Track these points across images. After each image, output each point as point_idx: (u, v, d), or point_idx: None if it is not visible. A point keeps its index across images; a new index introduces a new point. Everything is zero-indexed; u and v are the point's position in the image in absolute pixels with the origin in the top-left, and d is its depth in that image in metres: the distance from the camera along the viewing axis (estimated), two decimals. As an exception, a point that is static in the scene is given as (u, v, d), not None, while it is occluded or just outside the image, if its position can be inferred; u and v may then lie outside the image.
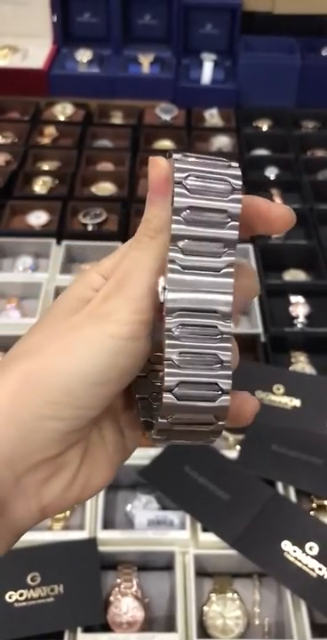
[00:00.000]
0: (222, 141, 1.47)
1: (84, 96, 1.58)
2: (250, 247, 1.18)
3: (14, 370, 0.28)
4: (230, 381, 0.28)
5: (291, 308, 1.11)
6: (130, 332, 0.28)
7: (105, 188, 1.34)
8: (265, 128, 1.55)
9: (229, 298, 0.28)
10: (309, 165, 1.41)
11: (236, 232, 0.28)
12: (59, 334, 0.28)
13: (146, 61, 1.62)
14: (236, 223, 0.28)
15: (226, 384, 0.28)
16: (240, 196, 0.28)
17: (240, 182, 0.28)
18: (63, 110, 1.54)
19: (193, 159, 0.28)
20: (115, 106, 1.58)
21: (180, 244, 0.27)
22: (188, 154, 0.28)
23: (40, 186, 1.33)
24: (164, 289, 0.27)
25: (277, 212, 0.29)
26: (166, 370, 0.27)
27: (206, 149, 1.46)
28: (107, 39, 1.65)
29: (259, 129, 1.55)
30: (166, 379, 0.27)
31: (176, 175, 0.27)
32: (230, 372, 0.28)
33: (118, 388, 0.29)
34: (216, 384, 0.27)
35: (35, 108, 1.55)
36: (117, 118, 1.56)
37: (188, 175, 0.27)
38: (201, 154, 0.29)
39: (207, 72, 1.60)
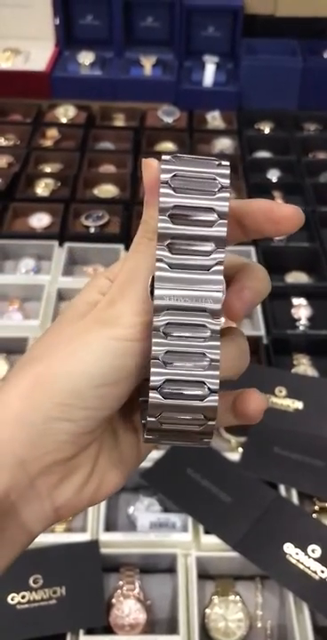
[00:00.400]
0: (224, 144, 1.47)
1: (86, 98, 1.58)
2: (252, 249, 1.18)
3: (25, 374, 0.29)
4: (218, 380, 0.27)
5: (293, 311, 1.11)
6: (134, 334, 0.28)
7: (107, 191, 1.35)
8: (267, 130, 1.55)
9: (219, 295, 0.27)
10: (311, 168, 1.41)
11: (224, 230, 0.27)
12: (67, 339, 0.29)
13: (148, 64, 1.62)
14: (224, 221, 0.27)
15: (213, 383, 0.27)
16: (227, 194, 0.28)
17: (228, 181, 0.28)
18: (65, 112, 1.54)
19: (181, 160, 0.28)
20: (117, 108, 1.58)
21: (167, 242, 0.27)
22: (179, 155, 0.28)
23: (42, 188, 1.33)
24: (152, 287, 0.27)
25: (285, 213, 0.29)
26: (152, 368, 0.27)
27: (208, 152, 1.46)
28: (110, 42, 1.65)
29: (260, 131, 1.55)
30: (152, 377, 0.27)
31: (162, 176, 0.27)
32: (218, 372, 0.27)
33: (126, 388, 0.29)
34: (204, 383, 0.27)
35: (38, 110, 1.55)
36: (119, 120, 1.56)
37: (174, 175, 0.27)
38: (198, 155, 0.29)
39: (209, 74, 1.60)
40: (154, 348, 0.27)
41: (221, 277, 0.28)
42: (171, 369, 0.27)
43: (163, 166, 0.28)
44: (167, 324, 0.27)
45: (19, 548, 0.30)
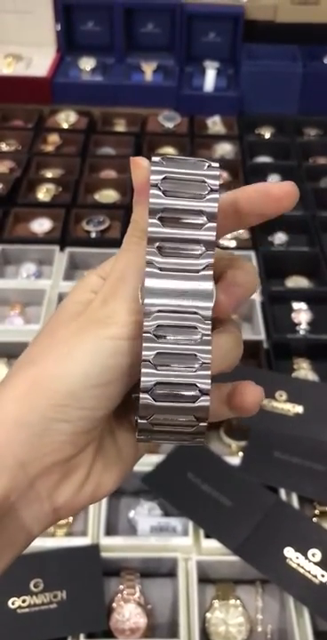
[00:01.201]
0: (225, 149, 1.48)
1: (88, 104, 1.59)
2: (252, 254, 1.18)
3: (20, 377, 0.29)
4: (209, 381, 0.27)
5: (293, 315, 1.11)
6: (127, 333, 0.28)
7: (108, 196, 1.35)
8: (267, 135, 1.56)
9: (209, 298, 0.27)
10: (312, 173, 1.42)
11: (214, 233, 0.28)
12: (61, 340, 0.29)
13: (149, 69, 1.63)
14: (214, 224, 0.27)
15: (205, 384, 0.27)
16: (217, 196, 0.28)
17: (217, 182, 0.28)
18: (66, 118, 1.55)
19: (171, 161, 0.28)
20: (118, 113, 1.59)
21: (157, 245, 0.27)
22: (169, 156, 0.29)
23: (43, 193, 1.34)
24: (142, 290, 0.28)
25: (284, 189, 0.29)
26: (143, 370, 0.27)
27: (209, 156, 1.46)
28: (111, 47, 1.66)
29: (261, 136, 1.56)
30: (143, 379, 0.27)
31: (152, 177, 0.27)
32: (209, 373, 0.27)
33: (121, 388, 0.29)
34: (195, 385, 0.27)
35: (39, 115, 1.56)
36: (120, 126, 1.57)
37: (165, 177, 0.27)
38: (186, 157, 0.29)
39: (210, 80, 1.61)
40: (144, 351, 0.27)
41: (211, 281, 0.28)
42: (161, 371, 0.27)
43: (153, 168, 0.28)
44: (157, 326, 0.27)
45: (19, 548, 0.30)
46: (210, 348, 0.27)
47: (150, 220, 0.27)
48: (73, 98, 1.60)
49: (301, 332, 1.09)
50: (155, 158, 0.28)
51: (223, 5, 1.61)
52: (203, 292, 0.27)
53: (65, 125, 1.54)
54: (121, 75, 1.64)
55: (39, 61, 1.64)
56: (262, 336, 1.04)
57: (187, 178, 0.28)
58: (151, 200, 0.27)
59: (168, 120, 1.55)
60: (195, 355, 0.27)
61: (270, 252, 1.22)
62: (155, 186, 0.27)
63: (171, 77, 1.63)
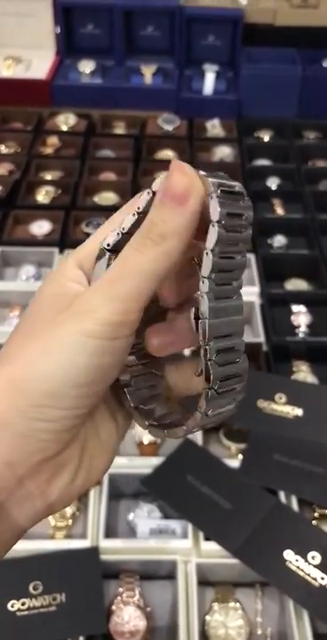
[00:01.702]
0: (224, 152, 1.48)
1: (87, 106, 1.59)
2: (252, 257, 1.18)
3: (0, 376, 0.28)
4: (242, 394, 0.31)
5: (292, 318, 1.11)
6: (107, 333, 0.27)
7: (107, 198, 1.35)
8: (266, 138, 1.56)
9: (242, 320, 0.31)
10: (311, 176, 1.42)
11: (245, 258, 0.31)
12: (38, 334, 0.28)
13: (148, 72, 1.63)
14: (245, 251, 0.30)
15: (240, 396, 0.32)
16: (250, 231, 0.30)
17: (252, 214, 0.30)
18: (66, 120, 1.55)
19: (225, 192, 0.29)
20: (117, 116, 1.59)
21: (213, 275, 0.29)
22: (223, 188, 0.29)
23: (43, 195, 1.34)
24: (198, 318, 0.29)
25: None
26: (204, 400, 0.30)
27: (208, 160, 1.47)
28: (110, 50, 1.66)
29: (260, 139, 1.56)
30: (206, 407, 0.30)
31: (219, 212, 0.28)
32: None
33: (103, 385, 0.29)
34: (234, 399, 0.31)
35: (38, 118, 1.56)
36: (120, 128, 1.57)
37: (227, 213, 0.28)
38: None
39: (209, 83, 1.61)
40: (208, 379, 0.29)
41: (242, 301, 0.31)
42: (219, 400, 0.30)
43: (219, 200, 0.28)
44: (216, 350, 0.29)
45: (9, 544, 0.30)
46: (246, 365, 0.31)
47: (211, 253, 0.28)
48: (72, 100, 1.60)
49: (301, 335, 1.09)
50: (217, 193, 0.28)
51: (222, 9, 1.61)
52: (240, 314, 0.31)
53: (64, 128, 1.54)
54: (120, 77, 1.64)
55: (39, 64, 1.65)
56: (261, 338, 1.04)
57: (235, 213, 0.29)
58: (212, 237, 0.28)
59: (167, 123, 1.55)
60: (237, 373, 0.31)
61: (269, 254, 1.22)
62: (219, 222, 0.28)
63: (170, 80, 1.63)
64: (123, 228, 0.30)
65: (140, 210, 0.30)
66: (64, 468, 0.30)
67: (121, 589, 0.76)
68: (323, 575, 0.76)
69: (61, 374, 0.27)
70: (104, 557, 0.77)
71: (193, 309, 0.29)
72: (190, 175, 0.28)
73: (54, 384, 0.27)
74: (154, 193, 0.29)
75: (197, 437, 0.90)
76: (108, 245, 0.31)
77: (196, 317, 0.29)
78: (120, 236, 0.30)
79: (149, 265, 0.28)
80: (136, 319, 0.28)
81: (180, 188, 0.28)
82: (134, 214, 0.30)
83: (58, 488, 0.29)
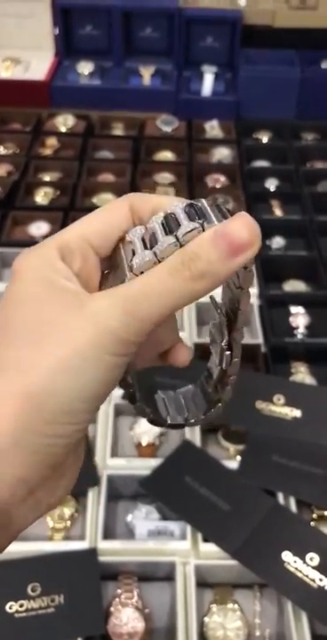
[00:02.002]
0: (222, 153, 1.48)
1: (86, 108, 1.59)
2: (250, 258, 1.18)
3: (9, 388, 0.26)
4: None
5: (291, 319, 1.11)
6: (122, 350, 0.27)
7: (106, 199, 1.35)
8: (265, 140, 1.56)
9: None
10: (309, 177, 1.42)
11: None
12: (47, 340, 0.27)
13: (147, 73, 1.63)
14: None
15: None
16: None
17: None
18: (64, 122, 1.55)
19: None
20: (116, 117, 1.59)
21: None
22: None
23: (41, 196, 1.34)
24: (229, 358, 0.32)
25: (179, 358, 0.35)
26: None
27: (206, 161, 1.47)
28: (109, 51, 1.67)
29: (259, 141, 1.56)
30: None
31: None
32: None
33: (109, 392, 0.29)
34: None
35: (37, 119, 1.56)
36: (118, 130, 1.57)
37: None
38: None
39: (208, 84, 1.61)
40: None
41: None
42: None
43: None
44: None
45: (5, 547, 0.29)
46: None
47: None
48: (71, 101, 1.60)
49: (299, 336, 1.09)
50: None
51: (221, 10, 1.61)
52: None
53: (63, 129, 1.54)
54: (119, 79, 1.64)
55: (37, 65, 1.65)
56: (260, 340, 1.04)
57: None
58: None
59: (166, 124, 1.55)
60: None
61: (268, 255, 1.22)
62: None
63: (169, 81, 1.63)
64: (161, 258, 0.28)
65: (181, 242, 0.27)
66: (68, 469, 0.30)
67: (119, 591, 0.76)
68: (322, 576, 0.76)
69: (78, 390, 0.27)
70: (102, 559, 0.77)
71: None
72: (255, 232, 0.27)
73: (70, 400, 0.27)
74: (203, 229, 0.27)
75: (196, 439, 0.90)
76: (132, 267, 0.28)
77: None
78: (151, 262, 0.28)
79: (178, 295, 0.27)
80: (143, 340, 0.28)
81: (241, 240, 0.26)
82: (176, 244, 0.27)
83: (63, 489, 0.30)
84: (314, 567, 0.77)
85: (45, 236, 1.23)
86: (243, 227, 0.26)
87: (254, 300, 1.11)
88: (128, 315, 0.26)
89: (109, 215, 0.31)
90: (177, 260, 0.27)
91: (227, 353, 0.32)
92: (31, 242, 1.23)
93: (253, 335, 1.06)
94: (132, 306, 0.27)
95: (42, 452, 0.27)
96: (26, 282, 0.28)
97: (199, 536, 0.80)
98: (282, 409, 0.95)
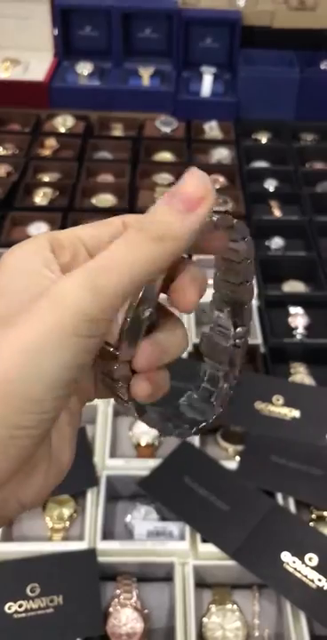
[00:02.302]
0: (222, 154, 1.48)
1: (85, 108, 1.59)
2: (249, 258, 1.18)
3: None
4: None
5: (290, 319, 1.11)
6: (86, 330, 0.25)
7: (105, 200, 1.35)
8: (264, 140, 1.56)
9: None
10: (308, 178, 1.42)
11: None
12: (15, 326, 0.26)
13: (146, 74, 1.63)
14: None
15: None
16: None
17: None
18: (64, 122, 1.55)
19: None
20: (115, 118, 1.59)
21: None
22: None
23: (41, 197, 1.34)
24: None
25: (187, 300, 0.29)
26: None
27: (206, 161, 1.47)
28: (108, 52, 1.67)
29: (258, 141, 1.56)
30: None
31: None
32: None
33: (76, 384, 0.28)
34: None
35: (36, 120, 1.56)
36: (117, 130, 1.57)
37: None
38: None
39: (207, 85, 1.61)
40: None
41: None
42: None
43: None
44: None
45: None
46: None
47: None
48: (70, 102, 1.60)
49: (298, 337, 1.09)
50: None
51: (220, 11, 1.61)
52: None
53: (62, 130, 1.54)
54: (118, 79, 1.64)
55: (36, 66, 1.65)
56: (259, 340, 1.04)
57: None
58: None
59: (165, 125, 1.55)
60: None
61: (267, 256, 1.22)
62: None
63: (168, 82, 1.63)
64: None
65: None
66: (39, 465, 0.28)
67: (118, 591, 0.76)
68: (320, 577, 0.76)
69: (44, 375, 0.25)
70: (101, 559, 0.77)
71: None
72: (207, 183, 0.26)
73: (36, 387, 0.25)
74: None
75: (195, 439, 0.90)
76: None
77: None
78: None
79: (139, 263, 0.25)
80: (112, 319, 0.26)
81: (193, 194, 0.26)
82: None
83: (32, 489, 0.28)
84: (313, 567, 0.77)
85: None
86: (193, 182, 0.26)
87: (253, 301, 1.11)
88: (92, 290, 0.25)
89: (103, 224, 0.31)
90: (135, 228, 0.26)
91: (237, 350, 0.32)
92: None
93: (252, 336, 1.06)
94: (95, 280, 0.25)
95: (7, 445, 0.25)
96: (8, 273, 0.28)
97: (198, 536, 0.80)
98: (281, 409, 0.95)
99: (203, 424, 0.34)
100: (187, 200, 0.26)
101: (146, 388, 0.29)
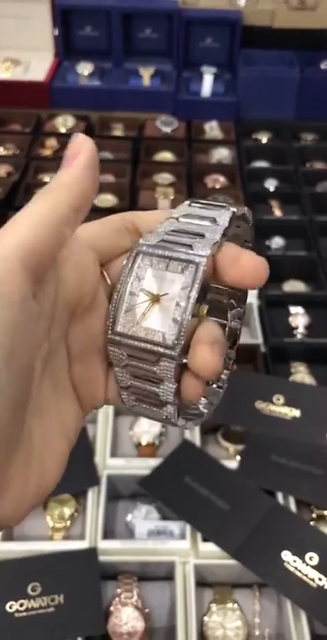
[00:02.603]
0: (222, 153, 1.48)
1: (85, 108, 1.60)
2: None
3: None
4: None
5: (290, 319, 1.11)
6: (34, 283, 0.25)
7: (106, 200, 1.35)
8: (264, 140, 1.56)
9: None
10: (308, 177, 1.42)
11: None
12: None
13: (146, 74, 1.63)
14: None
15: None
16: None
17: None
18: (64, 122, 1.56)
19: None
20: (115, 118, 1.59)
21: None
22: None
23: (41, 197, 1.34)
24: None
25: (250, 262, 0.28)
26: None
27: (206, 161, 1.47)
28: (108, 52, 1.67)
29: (258, 141, 1.56)
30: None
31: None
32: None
33: (35, 356, 0.26)
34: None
35: (37, 120, 1.56)
36: (118, 130, 1.57)
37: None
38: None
39: (207, 85, 1.62)
40: None
41: None
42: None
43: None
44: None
45: None
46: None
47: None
48: (71, 102, 1.60)
49: (298, 336, 1.09)
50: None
51: (220, 11, 1.62)
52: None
53: (63, 130, 1.54)
54: (118, 79, 1.64)
55: (37, 66, 1.65)
56: (259, 340, 1.04)
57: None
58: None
59: (165, 125, 1.55)
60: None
61: (267, 256, 1.21)
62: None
63: (168, 82, 1.63)
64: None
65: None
66: (11, 483, 0.26)
67: (119, 590, 0.76)
68: (321, 576, 0.76)
69: None
70: (102, 558, 0.77)
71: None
72: (81, 139, 0.31)
73: None
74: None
75: (195, 438, 0.90)
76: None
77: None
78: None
79: (34, 214, 0.27)
80: (24, 279, 0.25)
81: (71, 150, 0.31)
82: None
83: (8, 505, 0.26)
84: (313, 567, 0.77)
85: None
86: (72, 143, 0.32)
87: (254, 301, 1.11)
88: (18, 245, 0.26)
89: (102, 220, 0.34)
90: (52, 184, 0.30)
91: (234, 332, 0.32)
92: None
93: (253, 335, 1.07)
94: (17, 231, 0.26)
95: None
96: None
97: (199, 536, 0.80)
98: (281, 409, 0.95)
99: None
100: (67, 157, 0.31)
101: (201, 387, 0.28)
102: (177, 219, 0.31)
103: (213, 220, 0.30)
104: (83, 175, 0.30)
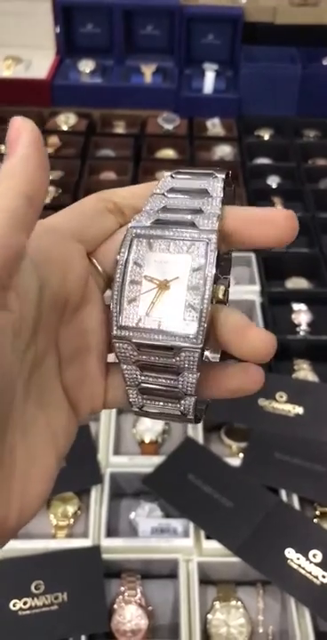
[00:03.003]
0: (224, 150, 1.48)
1: (87, 106, 1.59)
2: (252, 255, 1.18)
3: None
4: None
5: (293, 316, 1.11)
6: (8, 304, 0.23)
7: (108, 198, 1.35)
8: (266, 137, 1.56)
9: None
10: (311, 174, 1.42)
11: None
12: None
13: (148, 71, 1.63)
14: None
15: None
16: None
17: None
18: (66, 120, 1.55)
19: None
20: (117, 115, 1.59)
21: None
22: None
23: (43, 195, 1.34)
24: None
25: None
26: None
27: (208, 158, 1.47)
28: (110, 50, 1.66)
29: (260, 138, 1.56)
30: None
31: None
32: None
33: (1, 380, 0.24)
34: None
35: (39, 118, 1.56)
36: (120, 128, 1.57)
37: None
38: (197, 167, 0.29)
39: (209, 82, 1.61)
40: None
41: None
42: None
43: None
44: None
45: None
46: None
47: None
48: (72, 100, 1.60)
49: (301, 333, 1.09)
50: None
51: (222, 7, 1.61)
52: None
53: (64, 127, 1.54)
54: (120, 77, 1.64)
55: (39, 64, 1.65)
56: (262, 337, 1.04)
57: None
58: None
59: (167, 122, 1.55)
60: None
61: (270, 253, 1.22)
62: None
63: (170, 79, 1.63)
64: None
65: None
66: None
67: (122, 588, 0.76)
68: (324, 573, 0.76)
69: None
70: (105, 556, 0.78)
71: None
72: (20, 121, 0.28)
73: None
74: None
75: (198, 436, 0.90)
76: None
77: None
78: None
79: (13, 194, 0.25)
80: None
81: (11, 134, 0.27)
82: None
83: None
84: (317, 564, 0.77)
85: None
86: (9, 130, 0.28)
87: (256, 298, 1.11)
88: None
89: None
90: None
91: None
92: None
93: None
94: None
95: None
96: None
97: (202, 533, 0.80)
98: (284, 406, 0.95)
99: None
100: (9, 144, 0.27)
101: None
102: (163, 194, 0.29)
103: (205, 192, 0.28)
104: (30, 154, 0.27)
